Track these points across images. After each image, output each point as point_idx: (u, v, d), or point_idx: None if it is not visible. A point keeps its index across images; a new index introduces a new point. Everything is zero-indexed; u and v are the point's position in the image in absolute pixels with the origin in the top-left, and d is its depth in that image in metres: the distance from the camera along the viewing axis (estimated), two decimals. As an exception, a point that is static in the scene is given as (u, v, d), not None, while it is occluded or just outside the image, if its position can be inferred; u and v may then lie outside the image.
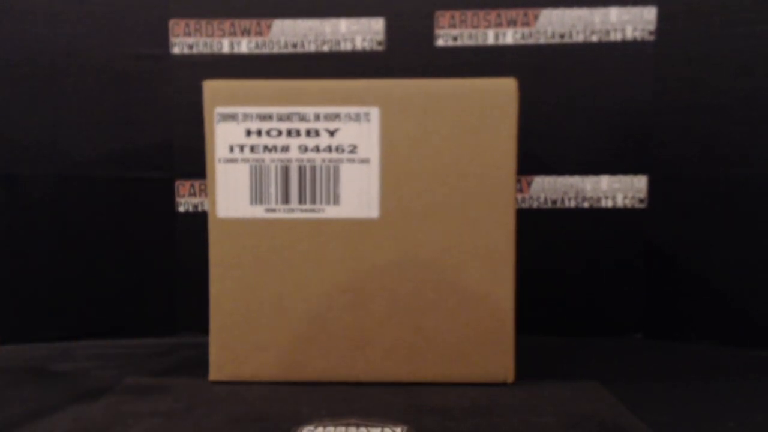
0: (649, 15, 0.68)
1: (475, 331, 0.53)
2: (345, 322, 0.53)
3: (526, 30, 0.70)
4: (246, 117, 0.52)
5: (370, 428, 0.43)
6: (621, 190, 0.70)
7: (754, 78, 0.65)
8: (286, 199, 0.53)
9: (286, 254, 0.53)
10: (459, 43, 0.70)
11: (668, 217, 0.69)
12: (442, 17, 0.70)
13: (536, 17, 0.70)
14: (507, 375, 0.54)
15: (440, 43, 0.70)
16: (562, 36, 0.69)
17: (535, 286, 0.66)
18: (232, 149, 0.53)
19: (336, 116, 0.52)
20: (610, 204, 0.70)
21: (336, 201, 0.53)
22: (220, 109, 0.52)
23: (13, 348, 0.67)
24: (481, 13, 0.70)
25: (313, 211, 0.53)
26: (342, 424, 0.44)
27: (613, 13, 0.69)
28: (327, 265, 0.53)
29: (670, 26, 0.68)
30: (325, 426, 0.44)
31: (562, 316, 0.71)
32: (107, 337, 0.71)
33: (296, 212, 0.53)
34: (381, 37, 0.70)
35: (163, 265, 0.72)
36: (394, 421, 0.45)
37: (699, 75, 0.67)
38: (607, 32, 0.69)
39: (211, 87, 0.53)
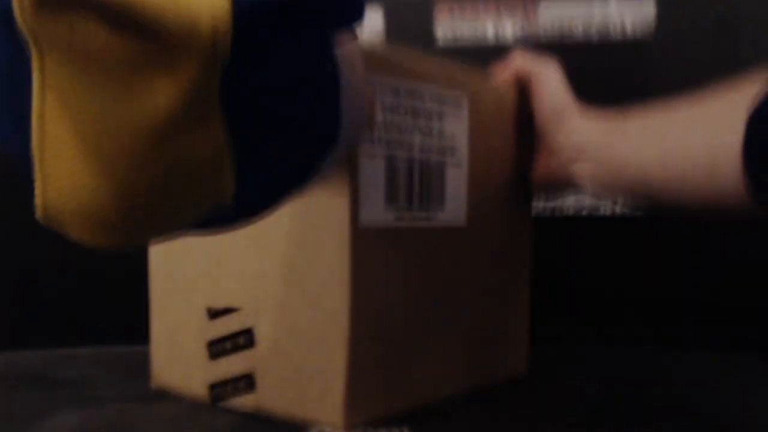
0: (648, 12, 0.68)
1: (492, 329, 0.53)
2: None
3: (526, 24, 0.69)
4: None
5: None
6: (620, 188, 0.70)
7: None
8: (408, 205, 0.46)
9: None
10: (459, 36, 0.70)
11: (668, 217, 0.69)
12: (442, 11, 0.70)
13: (536, 11, 0.69)
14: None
15: (440, 36, 0.70)
16: (561, 31, 0.69)
17: (535, 285, 0.66)
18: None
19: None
20: (609, 204, 0.70)
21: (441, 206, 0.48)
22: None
23: (13, 354, 0.66)
24: (481, 7, 0.69)
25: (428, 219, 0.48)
26: (343, 426, 0.44)
27: (613, 8, 0.68)
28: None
29: (670, 25, 0.67)
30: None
31: (563, 316, 0.71)
32: (109, 342, 0.70)
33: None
34: (379, 30, 0.70)
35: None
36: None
37: (699, 75, 0.67)
38: (607, 30, 0.68)
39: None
